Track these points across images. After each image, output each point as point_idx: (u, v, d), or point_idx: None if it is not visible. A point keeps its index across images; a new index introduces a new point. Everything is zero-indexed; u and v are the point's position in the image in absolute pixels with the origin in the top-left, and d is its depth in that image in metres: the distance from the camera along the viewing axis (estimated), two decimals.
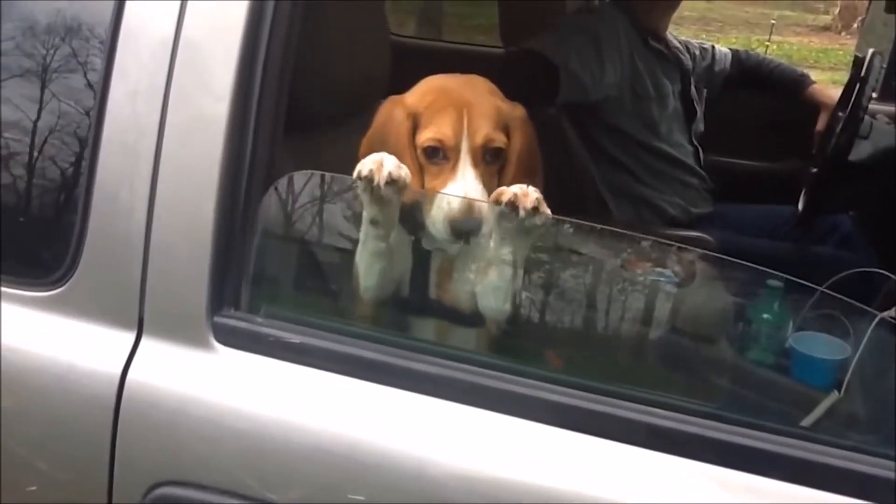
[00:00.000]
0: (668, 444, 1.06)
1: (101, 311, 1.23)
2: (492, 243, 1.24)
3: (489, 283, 1.26)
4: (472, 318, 1.30)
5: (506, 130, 1.30)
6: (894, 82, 2.82)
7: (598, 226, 1.26)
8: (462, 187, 1.24)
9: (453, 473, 1.09)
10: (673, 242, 1.32)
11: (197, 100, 1.18)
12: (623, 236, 1.33)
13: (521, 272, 1.25)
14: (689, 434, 1.06)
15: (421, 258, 1.31)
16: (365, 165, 1.18)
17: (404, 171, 1.20)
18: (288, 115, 1.23)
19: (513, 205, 1.17)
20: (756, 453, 1.04)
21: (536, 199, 1.17)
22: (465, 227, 1.22)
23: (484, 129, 1.27)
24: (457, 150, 1.27)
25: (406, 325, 1.35)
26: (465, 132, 1.27)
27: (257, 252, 1.21)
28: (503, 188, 1.20)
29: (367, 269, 1.27)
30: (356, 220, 1.27)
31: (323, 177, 1.30)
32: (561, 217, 1.21)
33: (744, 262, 1.18)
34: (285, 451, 1.14)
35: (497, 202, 1.19)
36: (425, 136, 1.28)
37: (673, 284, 1.31)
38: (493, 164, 1.29)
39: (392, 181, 1.17)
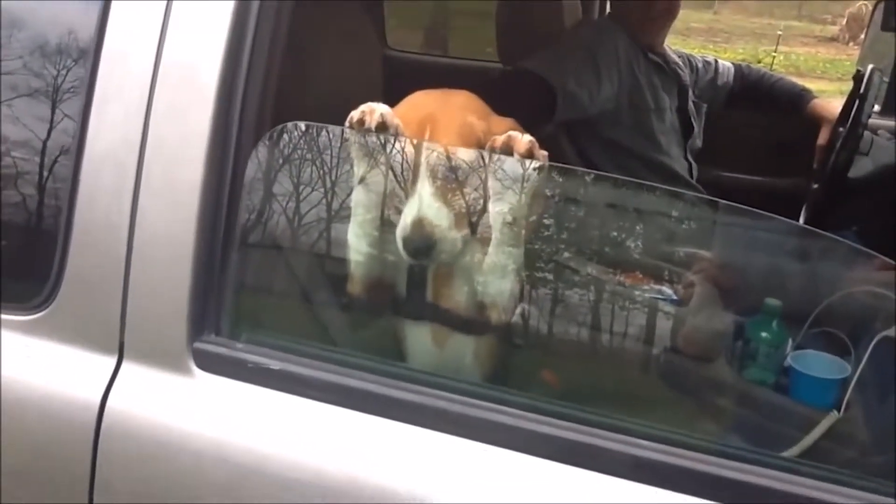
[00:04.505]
0: (657, 477, 1.03)
1: (83, 336, 1.21)
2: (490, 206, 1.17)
3: (490, 257, 1.20)
4: (471, 312, 1.25)
5: (478, 146, 1.24)
6: None
7: (594, 172, 1.20)
8: (416, 205, 1.18)
9: None
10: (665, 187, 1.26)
11: (178, 122, 1.16)
12: (625, 184, 1.28)
13: (522, 236, 1.18)
14: (680, 468, 1.03)
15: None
16: (357, 111, 1.15)
17: (397, 121, 1.16)
18: None
19: (507, 149, 1.13)
20: (747, 488, 1.01)
21: (530, 142, 1.13)
22: (416, 246, 1.17)
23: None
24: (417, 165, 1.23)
25: (401, 324, 1.30)
26: None
27: (238, 277, 1.19)
28: (494, 136, 1.15)
29: (357, 241, 1.23)
30: (341, 242, 1.25)
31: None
32: (557, 164, 1.17)
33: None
34: (265, 480, 1.12)
35: (492, 150, 1.14)
36: None
37: (671, 303, 1.28)
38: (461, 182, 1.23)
39: (384, 126, 1.15)
